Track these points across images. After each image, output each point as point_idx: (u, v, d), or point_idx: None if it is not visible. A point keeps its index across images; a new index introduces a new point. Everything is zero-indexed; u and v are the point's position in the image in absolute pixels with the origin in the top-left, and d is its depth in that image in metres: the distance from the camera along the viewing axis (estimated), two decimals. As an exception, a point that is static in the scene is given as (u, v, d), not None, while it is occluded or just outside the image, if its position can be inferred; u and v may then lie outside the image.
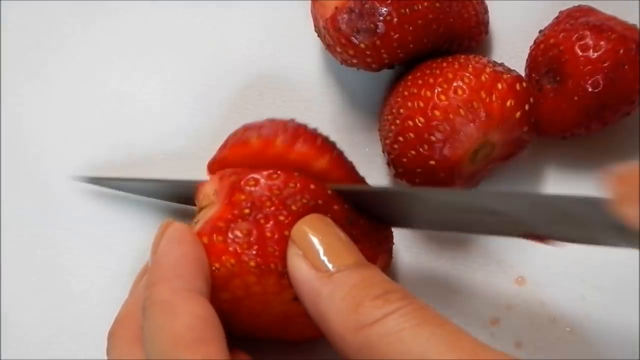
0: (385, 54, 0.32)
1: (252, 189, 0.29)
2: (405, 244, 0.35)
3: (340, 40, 0.32)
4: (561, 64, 0.32)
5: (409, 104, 0.32)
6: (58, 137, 0.37)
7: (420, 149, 0.31)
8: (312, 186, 0.29)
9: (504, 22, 0.37)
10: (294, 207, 0.28)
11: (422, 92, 0.32)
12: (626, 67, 0.31)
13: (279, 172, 0.29)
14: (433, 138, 0.31)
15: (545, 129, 0.33)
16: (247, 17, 0.38)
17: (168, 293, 0.26)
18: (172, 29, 0.38)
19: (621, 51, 0.31)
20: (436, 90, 0.31)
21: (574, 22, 0.33)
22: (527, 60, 0.35)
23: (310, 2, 0.36)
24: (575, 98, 0.32)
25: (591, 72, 0.31)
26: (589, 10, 0.34)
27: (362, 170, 0.31)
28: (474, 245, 0.35)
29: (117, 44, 0.38)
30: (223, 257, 0.28)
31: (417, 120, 0.31)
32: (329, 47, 0.34)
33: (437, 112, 0.31)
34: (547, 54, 0.33)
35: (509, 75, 0.32)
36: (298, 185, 0.29)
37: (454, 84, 0.31)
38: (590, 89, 0.32)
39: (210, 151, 0.36)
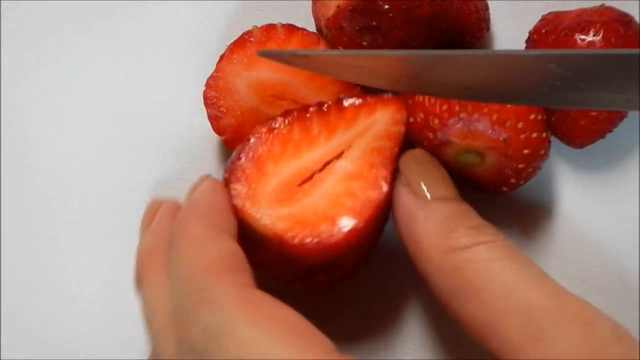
0: None
1: None
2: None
3: (343, 39, 0.32)
4: None
5: None
6: (58, 136, 0.37)
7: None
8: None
9: (504, 19, 0.37)
10: None
11: None
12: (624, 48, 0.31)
13: None
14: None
15: (584, 140, 0.34)
16: (247, 16, 0.38)
17: (200, 228, 0.26)
18: (172, 29, 0.38)
19: (612, 39, 0.31)
20: None
21: (554, 35, 0.33)
22: None
23: (310, 1, 0.36)
24: None
25: None
26: (555, 17, 0.34)
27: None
28: (474, 245, 0.35)
29: (117, 44, 0.38)
30: None
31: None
32: (331, 46, 0.34)
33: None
34: None
35: None
36: None
37: None
38: None
39: (211, 151, 0.37)
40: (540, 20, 0.34)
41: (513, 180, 0.32)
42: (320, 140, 0.30)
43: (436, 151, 0.32)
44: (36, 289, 0.35)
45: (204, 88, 0.33)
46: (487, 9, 0.35)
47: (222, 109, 0.33)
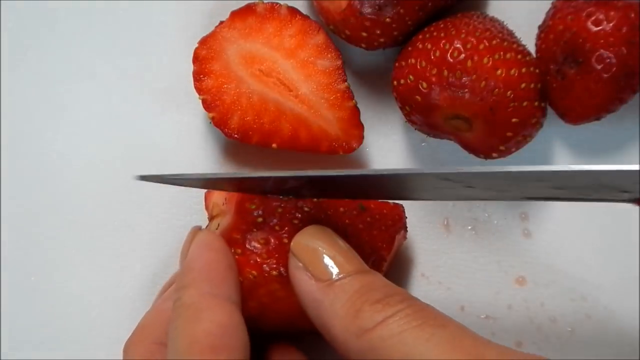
0: (409, 20, 0.33)
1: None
2: (406, 245, 0.35)
3: (364, 23, 0.33)
4: (579, 45, 0.32)
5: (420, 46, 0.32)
6: (58, 136, 0.37)
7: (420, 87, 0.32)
8: None
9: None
10: (306, 209, 0.28)
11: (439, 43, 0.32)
12: None
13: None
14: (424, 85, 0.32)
15: (579, 114, 0.33)
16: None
17: (196, 297, 0.26)
18: (172, 28, 0.38)
19: (632, 14, 0.31)
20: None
21: (575, 3, 0.33)
22: (537, 54, 0.35)
23: (310, 4, 0.36)
24: (604, 74, 0.32)
25: (612, 43, 0.31)
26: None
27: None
28: (474, 245, 0.35)
29: (117, 43, 0.38)
30: (245, 270, 0.28)
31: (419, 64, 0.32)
32: (349, 38, 0.34)
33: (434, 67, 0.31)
34: (561, 41, 0.33)
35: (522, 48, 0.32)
36: None
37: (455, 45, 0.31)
38: (615, 60, 0.31)
39: (209, 150, 0.37)
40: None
41: (502, 148, 0.32)
42: None
43: (426, 114, 0.32)
44: (36, 289, 0.35)
45: (196, 46, 0.34)
46: None
47: (207, 69, 0.34)
